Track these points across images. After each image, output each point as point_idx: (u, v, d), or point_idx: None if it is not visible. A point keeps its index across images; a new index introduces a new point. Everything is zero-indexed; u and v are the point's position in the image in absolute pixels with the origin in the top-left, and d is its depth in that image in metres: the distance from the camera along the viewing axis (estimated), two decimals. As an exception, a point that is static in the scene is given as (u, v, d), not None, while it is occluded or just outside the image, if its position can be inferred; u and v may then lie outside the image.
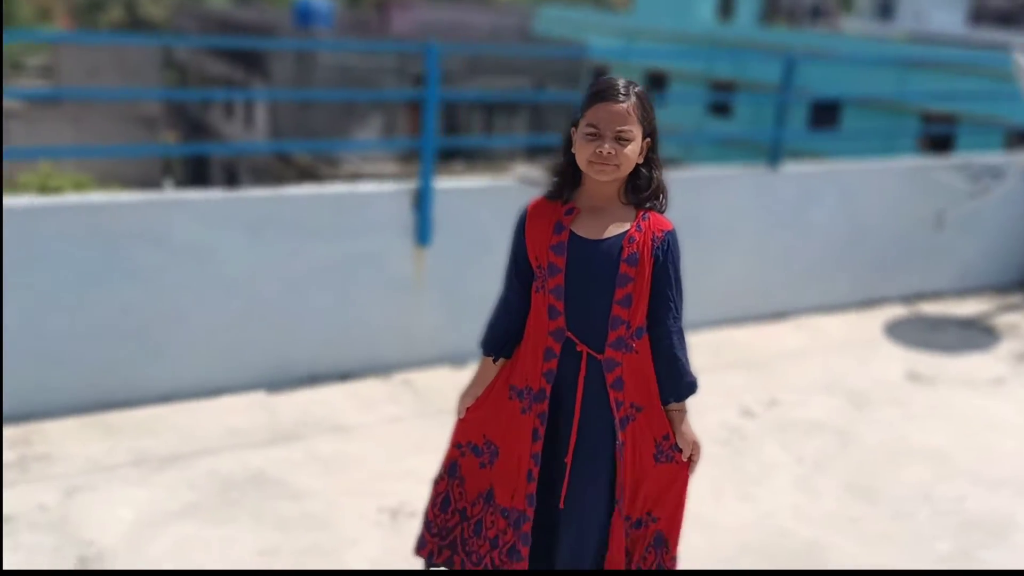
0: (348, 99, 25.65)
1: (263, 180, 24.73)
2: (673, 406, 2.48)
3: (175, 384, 4.47)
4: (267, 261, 4.55)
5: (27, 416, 4.18)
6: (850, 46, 25.68)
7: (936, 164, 6.49)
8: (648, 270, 2.35)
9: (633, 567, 2.55)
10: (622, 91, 2.31)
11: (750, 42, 28.32)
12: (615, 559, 2.51)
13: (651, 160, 2.39)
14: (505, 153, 28.63)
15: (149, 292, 4.34)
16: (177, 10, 40.10)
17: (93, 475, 3.82)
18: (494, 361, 2.54)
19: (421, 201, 4.80)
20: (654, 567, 2.55)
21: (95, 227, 4.18)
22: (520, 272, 2.46)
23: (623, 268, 2.34)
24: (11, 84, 33.00)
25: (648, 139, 2.36)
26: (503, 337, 2.52)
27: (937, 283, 6.73)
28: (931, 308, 6.55)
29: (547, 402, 2.44)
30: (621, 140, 2.29)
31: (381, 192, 4.80)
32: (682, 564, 2.65)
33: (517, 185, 5.13)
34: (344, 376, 4.85)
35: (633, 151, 2.31)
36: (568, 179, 2.40)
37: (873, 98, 21.82)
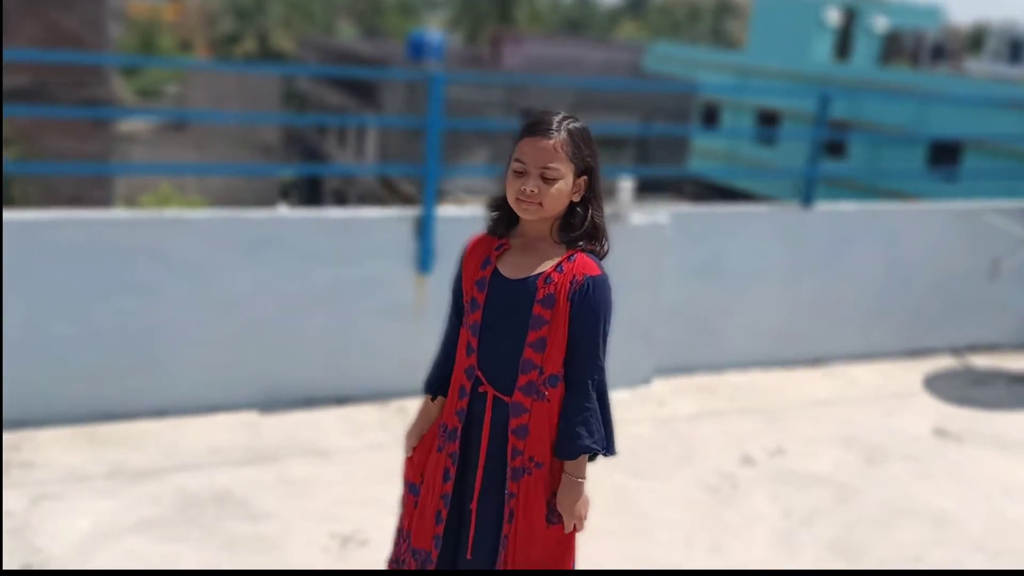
0: (451, 128, 25.96)
1: (368, 204, 25.25)
2: (565, 466, 2.31)
3: (169, 399, 4.56)
4: (266, 281, 4.62)
5: (24, 423, 4.32)
6: (970, 88, 24.72)
7: (990, 208, 6.13)
8: (564, 315, 2.23)
9: None
10: (552, 126, 2.21)
11: (867, 83, 27.59)
12: None
13: (588, 199, 2.29)
14: (607, 188, 28.57)
15: (148, 306, 4.45)
16: (302, 43, 41.58)
17: (65, 485, 3.91)
18: (432, 399, 2.48)
19: (423, 228, 4.79)
20: None
21: (98, 241, 4.32)
22: (457, 309, 2.41)
23: (536, 310, 2.24)
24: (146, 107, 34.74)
25: (584, 177, 2.26)
26: (440, 375, 2.46)
27: (992, 335, 6.35)
28: (982, 361, 6.17)
29: (458, 442, 2.35)
30: (546, 178, 2.20)
31: (383, 218, 4.81)
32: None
33: (527, 216, 5.07)
34: (341, 400, 4.86)
35: (560, 190, 2.21)
36: (505, 214, 2.32)
37: (995, 140, 20.91)
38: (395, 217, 4.82)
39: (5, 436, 4.23)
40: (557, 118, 2.24)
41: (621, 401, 5.16)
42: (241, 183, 31.97)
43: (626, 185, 5.07)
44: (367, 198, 27.44)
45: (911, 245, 6.01)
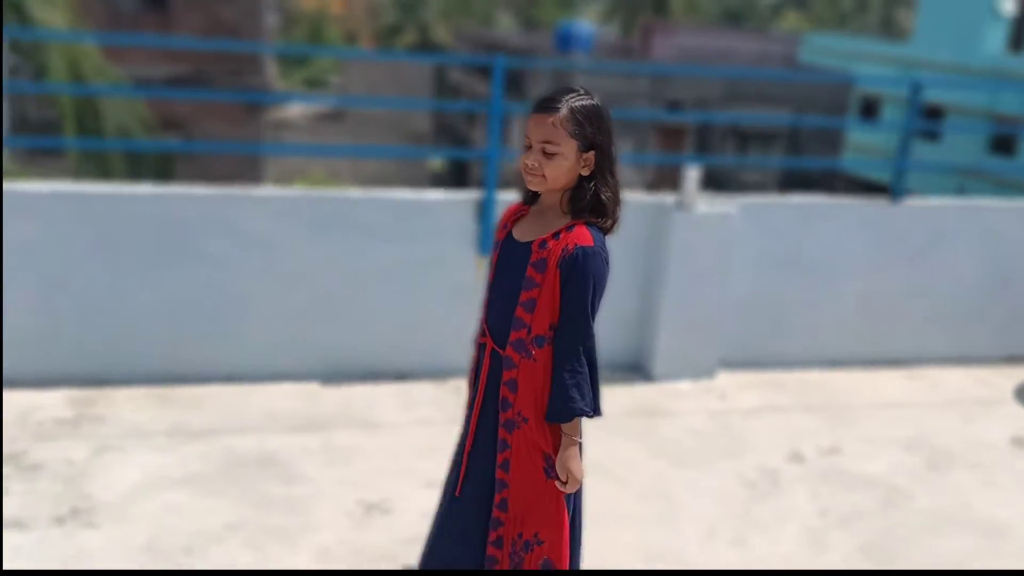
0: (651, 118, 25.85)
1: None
2: (563, 428, 2.41)
3: (238, 366, 4.82)
4: (331, 258, 4.81)
5: (104, 381, 4.67)
6: None
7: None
8: (554, 280, 2.33)
9: None
10: (555, 103, 2.31)
11: (1045, 75, 25.92)
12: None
13: (597, 173, 2.37)
14: (757, 181, 27.90)
15: (220, 278, 4.71)
16: (457, 34, 42.37)
17: (127, 439, 4.21)
18: None
19: (484, 211, 4.88)
20: None
21: (173, 215, 4.61)
22: (490, 265, 2.57)
23: (529, 272, 2.36)
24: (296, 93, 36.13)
25: (592, 152, 2.33)
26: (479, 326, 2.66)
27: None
28: (1089, 371, 5.78)
29: (471, 387, 2.58)
30: (547, 153, 2.30)
31: (446, 200, 4.93)
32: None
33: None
34: (401, 376, 5.02)
35: (561, 164, 2.31)
36: None
37: None
38: (458, 200, 4.93)
39: (83, 392, 4.58)
40: (564, 95, 2.33)
41: (681, 392, 5.13)
42: (393, 169, 32.87)
43: (692, 174, 5.01)
44: (511, 184, 27.76)
45: (1013, 243, 5.68)
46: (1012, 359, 5.84)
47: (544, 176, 2.32)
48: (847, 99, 29.94)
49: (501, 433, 2.44)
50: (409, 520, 3.71)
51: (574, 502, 2.56)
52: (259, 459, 4.13)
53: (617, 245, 5.09)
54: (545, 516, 2.46)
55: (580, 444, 2.43)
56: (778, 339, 5.49)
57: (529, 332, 2.36)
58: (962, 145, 27.00)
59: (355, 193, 4.89)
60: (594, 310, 2.37)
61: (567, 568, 2.51)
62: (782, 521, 3.91)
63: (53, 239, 4.50)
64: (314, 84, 49.13)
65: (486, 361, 2.47)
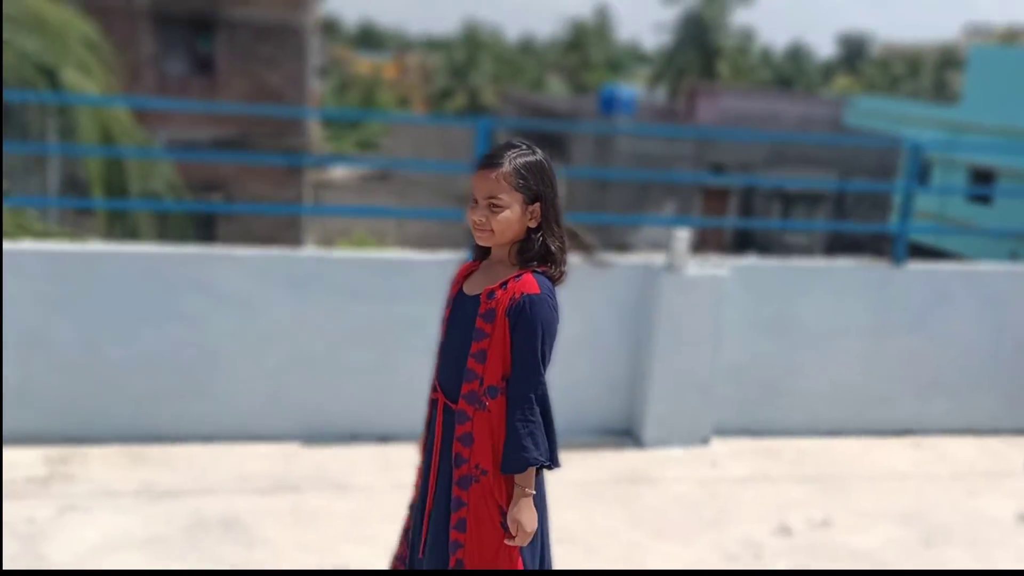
0: (635, 179, 25.94)
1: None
2: (516, 479, 2.40)
3: (215, 425, 4.78)
4: (310, 317, 4.78)
5: (78, 439, 4.65)
6: None
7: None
8: (504, 330, 2.35)
9: None
10: (497, 160, 2.36)
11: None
12: None
13: (544, 224, 2.40)
14: (802, 244, 27.61)
15: (196, 335, 4.70)
16: (503, 97, 42.95)
17: (94, 499, 4.17)
18: None
19: (467, 272, 4.82)
20: None
21: (151, 272, 4.62)
22: (442, 321, 2.58)
23: (479, 323, 2.38)
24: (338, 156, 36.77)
25: (537, 204, 2.37)
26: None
27: None
28: (1112, 444, 5.50)
29: (424, 451, 2.58)
30: (493, 207, 2.34)
31: (428, 260, 4.88)
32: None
33: (580, 263, 5.02)
34: (383, 438, 4.94)
35: (509, 217, 2.35)
36: None
37: None
38: (440, 260, 4.88)
39: (59, 450, 4.57)
40: (507, 151, 2.38)
41: (671, 459, 4.97)
42: (436, 231, 33.14)
43: (681, 235, 4.92)
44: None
45: (1019, 309, 5.46)
46: (1026, 430, 5.59)
47: (492, 231, 2.36)
48: (895, 162, 29.64)
49: (455, 492, 2.41)
50: (365, 588, 3.60)
51: (541, 560, 2.51)
52: (224, 521, 4.05)
53: (607, 308, 5.04)
54: (506, 566, 2.42)
55: (533, 496, 2.40)
56: (774, 405, 5.31)
57: (481, 383, 2.37)
58: (1015, 210, 26.49)
59: (335, 253, 4.87)
60: (544, 358, 2.37)
61: None
62: (757, 598, 3.74)
63: (30, 296, 4.53)
64: (365, 146, 50.00)
65: (439, 418, 2.47)
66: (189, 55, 20.24)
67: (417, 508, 2.59)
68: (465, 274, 2.55)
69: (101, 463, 4.50)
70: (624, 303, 5.06)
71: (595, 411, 5.16)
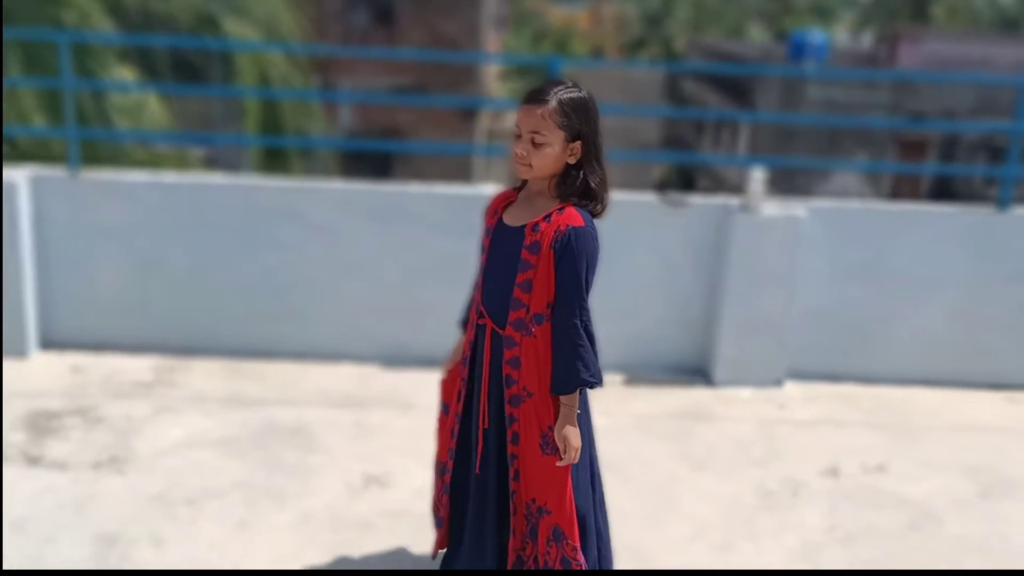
0: (827, 125, 24.89)
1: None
2: (562, 399, 2.58)
3: (307, 345, 5.18)
4: (390, 248, 5.07)
5: (187, 351, 5.17)
6: None
7: None
8: (548, 260, 2.51)
9: (538, 559, 2.69)
10: (544, 96, 2.49)
11: None
12: (515, 541, 2.71)
13: (584, 161, 2.54)
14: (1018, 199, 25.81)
15: (289, 262, 5.10)
16: (691, 44, 42.00)
17: (186, 403, 4.65)
18: (463, 331, 2.88)
19: (540, 208, 4.97)
20: (558, 562, 2.66)
21: (248, 203, 5.04)
22: (482, 250, 2.75)
23: (524, 254, 2.54)
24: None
25: (579, 141, 2.50)
26: (467, 309, 2.88)
27: None
28: None
29: (468, 368, 2.74)
30: (535, 143, 2.48)
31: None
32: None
33: (657, 203, 5.06)
34: (459, 365, 5.19)
35: (549, 154, 2.49)
36: None
37: None
38: (515, 195, 5.04)
39: (167, 360, 5.09)
40: (553, 87, 2.50)
41: (738, 399, 4.98)
42: (618, 174, 33.08)
43: (757, 176, 4.87)
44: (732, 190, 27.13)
45: None
46: None
47: (531, 165, 2.48)
48: None
49: (507, 409, 2.61)
50: (400, 496, 3.88)
51: (591, 480, 2.70)
52: (291, 429, 4.43)
53: (683, 248, 5.09)
54: (547, 487, 2.61)
55: (576, 414, 2.57)
56: (860, 352, 5.18)
57: (528, 311, 2.53)
58: None
59: (413, 187, 5.12)
60: (588, 286, 2.52)
61: (575, 527, 2.64)
62: (780, 533, 3.74)
63: (145, 222, 5.04)
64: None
65: (487, 342, 2.63)
66: (371, 7, 21.02)
67: (467, 425, 2.76)
68: (503, 203, 2.67)
69: (201, 373, 4.99)
70: (700, 243, 5.06)
71: (670, 349, 5.21)
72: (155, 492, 3.82)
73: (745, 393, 5.02)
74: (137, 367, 5.01)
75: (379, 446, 4.32)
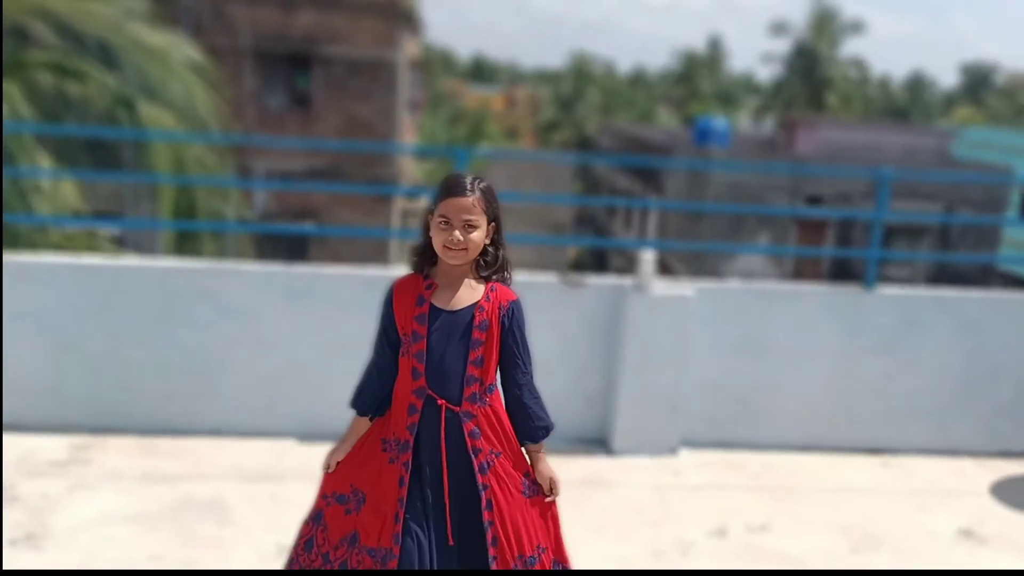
0: (730, 212, 25.96)
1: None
2: (529, 447, 2.93)
3: (223, 421, 5.35)
4: (304, 327, 5.30)
5: (102, 430, 5.28)
6: None
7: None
8: (496, 335, 2.82)
9: None
10: (468, 187, 2.77)
11: None
12: None
13: (496, 240, 2.85)
14: (904, 277, 27.04)
15: (205, 341, 5.28)
16: (601, 129, 43.39)
17: (103, 480, 4.76)
18: (371, 420, 3.01)
19: (447, 289, 5.28)
20: None
21: (163, 284, 5.24)
22: (390, 341, 2.92)
23: (475, 334, 2.81)
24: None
25: (493, 223, 2.82)
26: (375, 398, 2.98)
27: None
28: (1087, 469, 5.54)
29: (410, 452, 2.87)
30: (468, 228, 2.75)
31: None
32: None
33: (557, 283, 5.41)
34: (371, 440, 5.40)
35: (479, 236, 2.77)
36: (427, 258, 2.86)
37: None
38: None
39: (82, 438, 5.20)
40: (469, 179, 2.81)
41: (636, 467, 5.29)
42: (533, 258, 33.78)
43: (647, 257, 5.26)
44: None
45: (998, 337, 5.58)
46: (1005, 454, 5.67)
47: (466, 249, 2.75)
48: (1005, 195, 28.82)
49: (479, 479, 2.83)
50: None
51: None
52: (206, 503, 4.58)
53: (581, 325, 5.40)
54: (535, 529, 2.88)
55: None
56: (746, 421, 5.57)
57: (481, 385, 2.82)
58: None
59: (327, 269, 5.39)
60: (527, 348, 2.89)
61: (567, 556, 2.97)
62: (667, 589, 4.04)
63: (61, 304, 5.19)
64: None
65: (442, 421, 2.81)
66: (288, 90, 21.40)
67: (425, 502, 2.85)
68: (416, 291, 2.84)
69: (116, 451, 5.11)
70: (597, 321, 5.42)
71: (572, 421, 5.51)
72: (72, 566, 3.94)
73: (642, 461, 5.35)
74: (52, 446, 5.11)
75: (293, 518, 4.46)
